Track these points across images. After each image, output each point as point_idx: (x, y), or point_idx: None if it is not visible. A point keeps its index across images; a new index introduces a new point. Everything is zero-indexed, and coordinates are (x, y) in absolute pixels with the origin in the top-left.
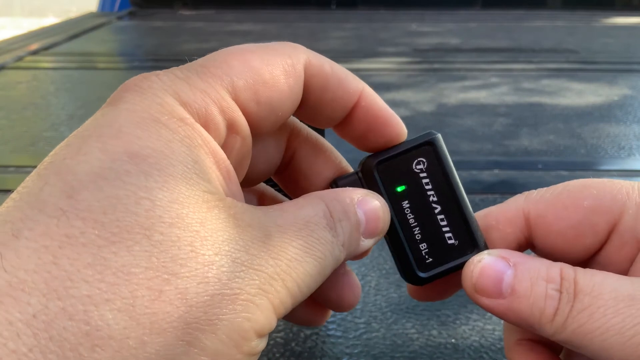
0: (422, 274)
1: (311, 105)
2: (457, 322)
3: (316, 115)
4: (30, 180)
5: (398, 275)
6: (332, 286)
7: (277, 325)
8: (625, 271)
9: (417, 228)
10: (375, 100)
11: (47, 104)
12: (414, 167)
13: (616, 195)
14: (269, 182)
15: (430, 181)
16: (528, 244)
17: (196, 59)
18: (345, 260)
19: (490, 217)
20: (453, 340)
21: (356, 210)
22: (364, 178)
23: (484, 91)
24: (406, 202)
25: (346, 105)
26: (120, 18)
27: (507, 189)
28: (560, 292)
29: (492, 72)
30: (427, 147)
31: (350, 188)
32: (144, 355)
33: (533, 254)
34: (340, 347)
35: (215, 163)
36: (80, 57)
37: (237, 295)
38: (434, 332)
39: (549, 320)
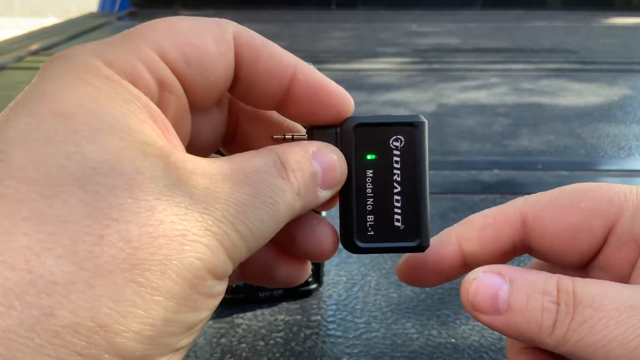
0: (359, 243)
1: (245, 80)
2: (457, 322)
3: (253, 91)
4: None
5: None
6: (307, 237)
7: (277, 325)
8: (625, 275)
9: (371, 199)
10: (314, 73)
11: None
12: (390, 141)
13: (613, 198)
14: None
15: (400, 160)
16: (524, 247)
17: None
18: (303, 210)
19: (488, 216)
20: (453, 340)
21: (312, 162)
22: (341, 134)
23: (483, 91)
24: (371, 171)
25: (281, 79)
26: (120, 18)
27: (506, 189)
28: (558, 304)
29: (491, 72)
30: (409, 128)
31: (305, 141)
32: (93, 297)
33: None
34: (340, 347)
35: (150, 117)
36: None
37: (183, 235)
38: (434, 332)
39: (548, 334)
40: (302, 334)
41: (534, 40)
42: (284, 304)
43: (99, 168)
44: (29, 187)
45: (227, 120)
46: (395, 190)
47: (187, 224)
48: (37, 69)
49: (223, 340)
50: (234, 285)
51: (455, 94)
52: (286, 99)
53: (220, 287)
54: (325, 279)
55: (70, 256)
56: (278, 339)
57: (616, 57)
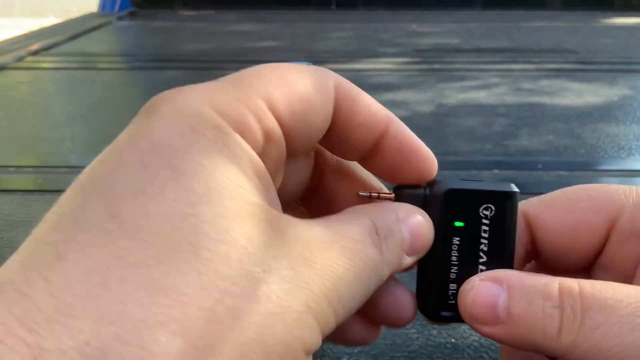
0: (442, 312)
1: (339, 130)
2: None
3: (344, 142)
4: (67, 199)
5: (398, 275)
6: (388, 303)
7: None
8: (629, 272)
9: (456, 267)
10: (405, 130)
11: (48, 104)
12: (480, 210)
13: (613, 195)
14: None
15: (489, 230)
16: (534, 251)
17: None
18: (388, 277)
19: None
20: (453, 340)
21: (401, 227)
22: (431, 197)
23: (483, 91)
24: (457, 239)
25: (374, 132)
26: (120, 18)
27: None
28: (561, 309)
29: (491, 72)
30: (502, 198)
31: (396, 203)
32: None
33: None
34: (340, 347)
35: (256, 173)
36: (80, 57)
37: (287, 313)
38: (434, 332)
39: (555, 341)
40: None
41: (534, 40)
42: None
43: (212, 233)
44: (144, 251)
45: (313, 171)
46: (481, 260)
47: (291, 299)
48: (37, 69)
49: None
50: None
51: (455, 94)
52: (374, 152)
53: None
54: None
55: (183, 333)
56: None
57: (616, 57)
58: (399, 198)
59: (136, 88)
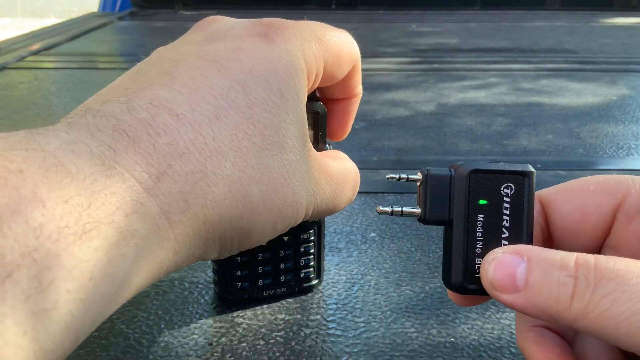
0: (469, 285)
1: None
2: (457, 321)
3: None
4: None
5: (398, 275)
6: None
7: (277, 324)
8: (635, 250)
9: (481, 243)
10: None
11: (49, 104)
12: (502, 189)
13: (620, 179)
14: None
15: (510, 207)
16: (548, 232)
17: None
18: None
19: None
20: (452, 339)
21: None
22: (455, 178)
23: (483, 91)
24: (482, 216)
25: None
26: (121, 18)
27: None
28: (576, 278)
29: (491, 72)
30: (520, 177)
31: None
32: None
33: None
34: (340, 346)
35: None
36: (81, 57)
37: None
38: (433, 332)
39: (566, 307)
40: (302, 333)
41: (533, 40)
42: (284, 303)
43: (295, 135)
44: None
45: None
46: (504, 236)
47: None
48: (38, 68)
49: (223, 339)
50: (238, 286)
51: (454, 94)
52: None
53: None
54: (325, 278)
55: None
56: (278, 338)
57: (615, 57)
58: (426, 179)
59: None
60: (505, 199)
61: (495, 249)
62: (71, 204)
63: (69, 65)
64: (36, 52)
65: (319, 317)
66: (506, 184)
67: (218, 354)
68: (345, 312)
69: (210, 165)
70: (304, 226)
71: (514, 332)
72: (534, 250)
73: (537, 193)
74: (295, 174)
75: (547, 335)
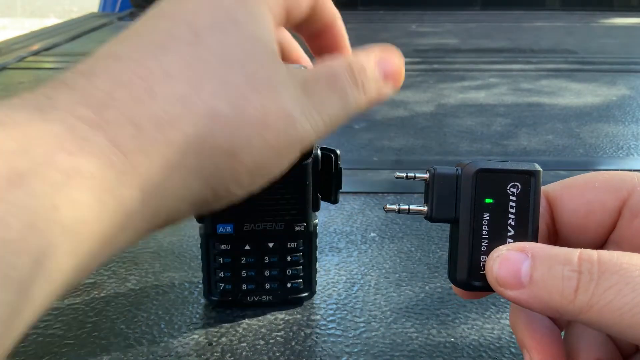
0: (473, 282)
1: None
2: (456, 321)
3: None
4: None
5: (398, 275)
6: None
7: (277, 324)
8: (638, 246)
9: (486, 241)
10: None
11: None
12: (508, 187)
13: (624, 177)
14: None
15: (516, 206)
16: (554, 229)
17: None
18: (366, 107)
19: None
20: (452, 339)
21: (371, 61)
22: (462, 176)
23: (483, 91)
24: (487, 214)
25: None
26: (121, 18)
27: None
28: (579, 273)
29: (491, 72)
30: (526, 176)
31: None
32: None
33: None
34: (340, 346)
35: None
36: (81, 57)
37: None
38: (433, 332)
39: (571, 300)
40: (302, 333)
41: (533, 40)
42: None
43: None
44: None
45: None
46: (509, 234)
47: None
48: (38, 69)
49: (223, 339)
50: (221, 288)
51: (454, 94)
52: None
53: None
54: (325, 278)
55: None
56: (278, 338)
57: (615, 57)
58: (432, 178)
59: None
60: (511, 197)
61: (500, 247)
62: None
63: (69, 65)
64: (36, 53)
65: (319, 317)
66: (512, 183)
67: (218, 354)
68: (345, 312)
69: (159, 88)
70: (291, 235)
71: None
72: (538, 247)
73: (543, 189)
74: (268, 84)
75: (538, 317)
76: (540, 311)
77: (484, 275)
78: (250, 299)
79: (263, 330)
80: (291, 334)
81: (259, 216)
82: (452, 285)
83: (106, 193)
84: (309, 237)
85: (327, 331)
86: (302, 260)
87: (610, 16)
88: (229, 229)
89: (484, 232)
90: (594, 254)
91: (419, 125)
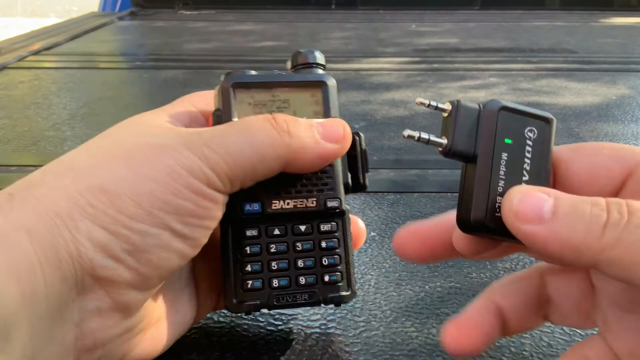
0: (488, 222)
1: None
2: None
3: None
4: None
5: (398, 274)
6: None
7: (277, 324)
8: None
9: (503, 182)
10: None
11: (49, 104)
12: (525, 131)
13: (636, 150)
14: None
15: (532, 151)
16: (556, 187)
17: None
18: (303, 150)
19: None
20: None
21: (310, 120)
22: (485, 112)
23: (483, 91)
24: (506, 155)
25: None
26: (121, 18)
27: None
28: (609, 212)
29: (491, 71)
30: (543, 122)
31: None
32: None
33: None
34: (340, 345)
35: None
36: (81, 56)
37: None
38: (433, 331)
39: (597, 237)
40: (302, 333)
41: (533, 40)
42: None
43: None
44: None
45: None
46: (524, 179)
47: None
48: (39, 68)
49: (224, 338)
50: (249, 286)
51: (454, 94)
52: None
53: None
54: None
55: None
56: (278, 338)
57: (615, 56)
58: (456, 109)
59: (137, 87)
60: (528, 142)
61: (524, 185)
62: None
63: (69, 65)
64: (36, 52)
65: (319, 316)
66: (530, 127)
67: (218, 353)
68: (345, 312)
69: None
70: (324, 213)
71: None
72: (562, 193)
73: (554, 149)
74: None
75: (489, 303)
76: (553, 252)
77: (499, 218)
78: (283, 299)
79: (263, 330)
80: (291, 333)
81: (287, 191)
82: (455, 238)
83: None
84: (343, 220)
85: (327, 330)
86: (339, 248)
87: (610, 16)
88: (256, 206)
89: (502, 173)
90: (621, 200)
91: (419, 124)
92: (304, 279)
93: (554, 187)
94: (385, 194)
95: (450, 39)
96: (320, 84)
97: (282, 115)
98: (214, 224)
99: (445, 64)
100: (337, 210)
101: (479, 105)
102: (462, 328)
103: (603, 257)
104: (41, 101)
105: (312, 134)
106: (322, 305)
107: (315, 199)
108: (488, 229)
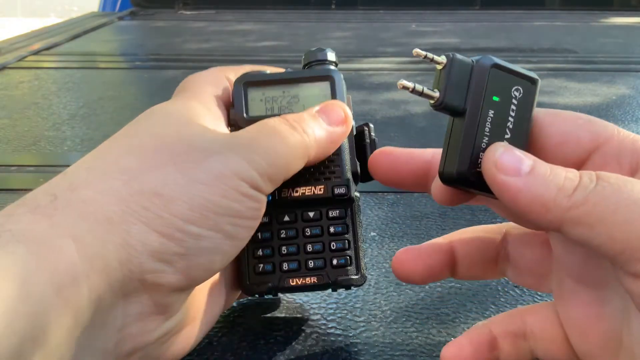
0: (469, 176)
1: None
2: (456, 320)
3: None
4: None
5: None
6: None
7: (277, 324)
8: None
9: (487, 138)
10: None
11: (49, 104)
12: (512, 90)
13: (607, 125)
14: None
15: (515, 109)
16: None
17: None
18: (320, 145)
19: None
20: (452, 339)
21: (310, 110)
22: (476, 68)
23: None
24: (492, 112)
25: None
26: (121, 18)
27: None
28: (580, 177)
29: None
30: (529, 82)
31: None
32: None
33: None
34: (340, 345)
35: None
36: (81, 56)
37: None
38: (433, 331)
39: (568, 195)
40: (302, 333)
41: (533, 39)
42: (284, 302)
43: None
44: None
45: None
46: (506, 137)
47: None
48: (39, 68)
49: (224, 339)
50: (260, 269)
51: None
52: None
53: (251, 192)
54: None
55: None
56: (278, 338)
57: (615, 56)
58: (449, 63)
59: (137, 87)
60: (513, 100)
61: (507, 143)
62: None
63: (69, 64)
64: (36, 52)
65: (319, 316)
66: (517, 87)
67: (218, 353)
68: (345, 312)
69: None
70: (332, 200)
71: None
72: (540, 160)
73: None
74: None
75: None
76: (523, 205)
77: (479, 172)
78: (292, 282)
79: (263, 330)
80: (291, 333)
81: (296, 180)
82: (434, 187)
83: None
84: (352, 207)
85: (327, 330)
86: (347, 233)
87: (610, 16)
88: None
89: (487, 129)
90: (593, 172)
91: (419, 124)
92: (312, 263)
93: (532, 141)
94: (385, 194)
95: (451, 39)
96: (328, 78)
97: (290, 115)
98: (257, 223)
99: None
100: (346, 197)
101: (472, 61)
102: (410, 255)
103: (569, 215)
104: (41, 101)
105: (320, 124)
106: (332, 290)
107: (323, 187)
108: (468, 182)
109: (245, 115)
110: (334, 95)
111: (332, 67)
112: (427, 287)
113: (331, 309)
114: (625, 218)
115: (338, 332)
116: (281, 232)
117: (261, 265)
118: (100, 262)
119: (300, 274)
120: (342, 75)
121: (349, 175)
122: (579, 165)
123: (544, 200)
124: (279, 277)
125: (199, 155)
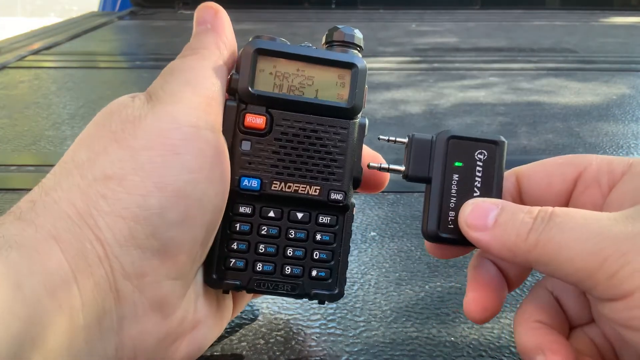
0: (441, 233)
1: None
2: (457, 320)
3: None
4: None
5: (398, 274)
6: None
7: (277, 324)
8: None
9: (455, 198)
10: None
11: (49, 103)
12: (475, 154)
13: (585, 156)
14: None
15: (482, 171)
16: (521, 201)
17: None
18: None
19: None
20: (452, 339)
21: None
22: (436, 142)
23: (482, 90)
24: (457, 176)
25: None
26: (121, 18)
27: None
28: (535, 219)
29: (491, 71)
30: (493, 145)
31: None
32: None
33: None
34: (340, 345)
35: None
36: (81, 56)
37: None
38: (433, 331)
39: (524, 239)
40: (302, 333)
41: (533, 39)
42: (285, 302)
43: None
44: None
45: None
46: (475, 194)
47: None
48: (38, 68)
49: (224, 339)
50: (231, 264)
51: (454, 93)
52: None
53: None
54: None
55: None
56: (278, 338)
57: (615, 56)
58: (411, 142)
59: (137, 87)
60: (478, 162)
61: (477, 198)
62: None
63: (69, 64)
64: (36, 52)
65: (319, 316)
66: (480, 151)
67: (218, 353)
68: (345, 312)
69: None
70: (325, 204)
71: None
72: (509, 202)
73: (515, 169)
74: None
75: (488, 267)
76: (497, 253)
77: (452, 228)
78: (264, 285)
79: (263, 330)
80: (291, 333)
81: (292, 173)
82: (425, 243)
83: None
84: (345, 215)
85: (327, 330)
86: (333, 244)
87: (610, 15)
88: (255, 183)
89: (453, 191)
90: (549, 207)
91: (419, 124)
92: (289, 269)
93: (520, 200)
94: (385, 194)
95: (451, 39)
96: (351, 66)
97: None
98: (216, 173)
99: (446, 64)
100: (341, 204)
101: (432, 136)
102: (480, 292)
103: (531, 256)
104: (41, 101)
105: None
106: (305, 299)
107: (318, 187)
108: (442, 238)
109: (250, 88)
110: (352, 88)
111: (357, 53)
112: (427, 286)
113: (331, 308)
114: (570, 255)
115: (338, 332)
116: (262, 227)
117: (233, 260)
118: (82, 261)
119: (273, 278)
120: (366, 64)
121: (350, 181)
122: (569, 194)
123: (508, 246)
124: (249, 277)
125: (133, 123)
